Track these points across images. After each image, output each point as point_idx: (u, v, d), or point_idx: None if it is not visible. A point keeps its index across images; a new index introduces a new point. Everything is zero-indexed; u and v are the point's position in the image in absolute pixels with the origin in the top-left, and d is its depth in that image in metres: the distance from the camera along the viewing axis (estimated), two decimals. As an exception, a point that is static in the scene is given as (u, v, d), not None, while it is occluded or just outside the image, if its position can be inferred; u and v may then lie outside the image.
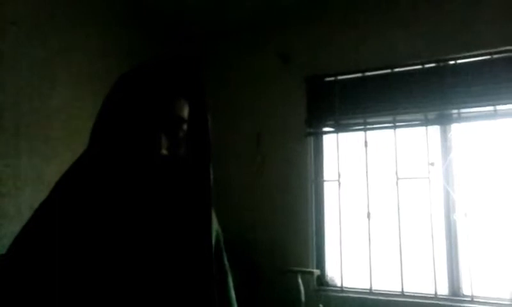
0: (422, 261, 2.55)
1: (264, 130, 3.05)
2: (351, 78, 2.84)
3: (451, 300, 2.42)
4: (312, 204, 2.88)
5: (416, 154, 2.65)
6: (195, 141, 0.82)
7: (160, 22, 3.09)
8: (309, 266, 2.76)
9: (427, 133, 2.61)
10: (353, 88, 2.81)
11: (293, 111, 2.97)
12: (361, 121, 2.79)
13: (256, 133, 3.06)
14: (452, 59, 2.56)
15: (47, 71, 2.30)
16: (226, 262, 0.92)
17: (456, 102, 2.52)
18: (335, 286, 2.76)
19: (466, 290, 2.43)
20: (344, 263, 2.74)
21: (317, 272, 2.71)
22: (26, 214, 0.78)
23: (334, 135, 2.89)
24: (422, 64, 2.63)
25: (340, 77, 2.87)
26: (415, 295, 2.50)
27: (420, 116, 2.64)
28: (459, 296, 2.44)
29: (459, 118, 2.55)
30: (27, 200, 2.09)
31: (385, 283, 2.63)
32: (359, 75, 2.81)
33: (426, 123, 2.62)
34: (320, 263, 2.82)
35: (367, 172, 2.73)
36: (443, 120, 2.61)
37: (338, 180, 2.82)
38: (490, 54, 2.46)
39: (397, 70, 2.70)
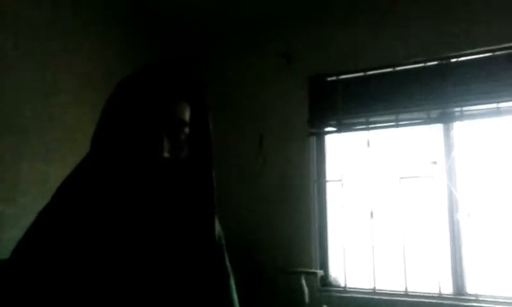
0: (426, 261, 2.54)
1: (266, 130, 3.04)
2: (352, 78, 2.83)
3: (456, 299, 2.41)
4: (315, 204, 2.87)
5: (418, 153, 2.64)
6: (197, 144, 0.82)
7: (160, 22, 3.09)
8: (312, 267, 2.75)
9: (429, 132, 2.60)
10: (355, 87, 2.80)
11: (295, 111, 2.96)
12: (363, 120, 2.79)
13: (258, 134, 3.05)
14: (453, 57, 2.55)
15: (48, 74, 2.29)
16: (228, 264, 0.92)
17: (458, 100, 2.51)
18: (339, 287, 2.74)
19: (470, 288, 2.42)
20: (348, 263, 2.73)
21: (320, 272, 2.70)
22: (28, 219, 0.78)
23: (336, 135, 2.89)
24: (424, 62, 2.62)
25: (342, 77, 2.86)
26: (419, 294, 2.49)
27: (422, 114, 2.63)
28: (463, 295, 2.43)
29: (462, 116, 2.54)
30: (29, 205, 2.07)
31: (389, 282, 2.61)
32: (361, 74, 2.80)
33: (428, 121, 2.61)
34: (324, 264, 2.81)
35: (369, 171, 2.72)
36: (446, 118, 2.60)
37: (341, 180, 2.82)
38: (492, 51, 2.45)
39: (398, 68, 2.69)
